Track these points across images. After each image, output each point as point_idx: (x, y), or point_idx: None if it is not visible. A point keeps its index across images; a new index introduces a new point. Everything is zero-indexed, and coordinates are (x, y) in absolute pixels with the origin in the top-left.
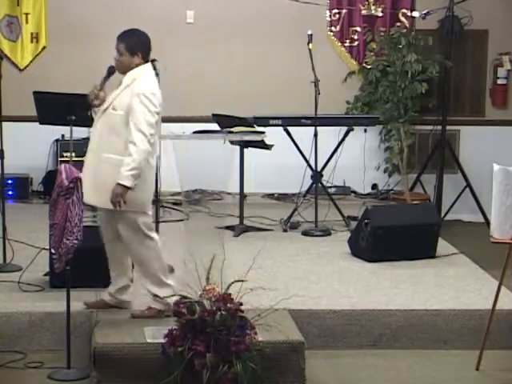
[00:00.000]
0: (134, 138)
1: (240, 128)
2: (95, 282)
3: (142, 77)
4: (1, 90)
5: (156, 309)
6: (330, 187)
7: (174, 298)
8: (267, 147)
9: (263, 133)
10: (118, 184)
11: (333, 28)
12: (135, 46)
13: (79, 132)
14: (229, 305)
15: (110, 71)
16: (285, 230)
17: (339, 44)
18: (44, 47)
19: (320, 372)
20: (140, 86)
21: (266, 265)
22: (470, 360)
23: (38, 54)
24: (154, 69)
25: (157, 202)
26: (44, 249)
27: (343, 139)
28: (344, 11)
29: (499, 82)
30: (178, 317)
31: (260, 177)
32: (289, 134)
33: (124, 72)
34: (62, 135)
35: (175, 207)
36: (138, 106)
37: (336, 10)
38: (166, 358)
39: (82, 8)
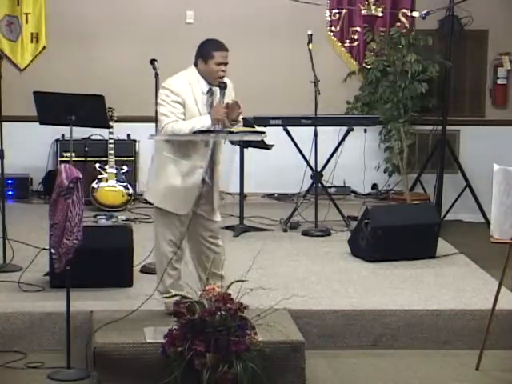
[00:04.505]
0: None
1: (240, 128)
2: (95, 282)
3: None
4: (1, 89)
5: None
6: (330, 187)
7: (174, 298)
8: (267, 147)
9: (263, 133)
10: None
11: (333, 28)
12: None
13: (79, 132)
14: (229, 305)
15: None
16: (285, 230)
17: (339, 44)
18: (44, 47)
19: (320, 372)
20: (232, 86)
21: (266, 265)
22: (470, 360)
23: (38, 54)
24: (154, 69)
25: None
26: (44, 249)
27: (343, 139)
28: (344, 11)
29: (499, 82)
30: (177, 317)
31: (260, 177)
32: (289, 134)
33: None
34: (62, 135)
35: None
36: None
37: (336, 10)
38: (166, 358)
39: (82, 8)
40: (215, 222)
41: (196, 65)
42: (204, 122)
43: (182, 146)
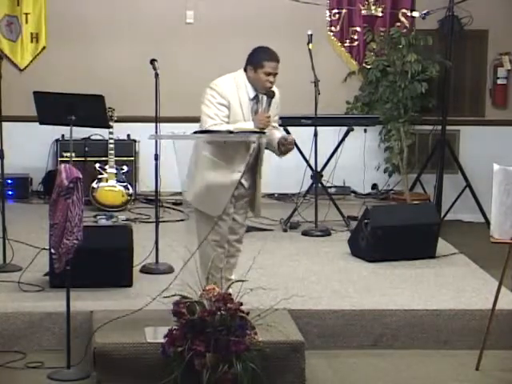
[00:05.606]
0: None
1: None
2: (95, 282)
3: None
4: (1, 89)
5: None
6: (330, 187)
7: (175, 298)
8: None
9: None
10: None
11: (333, 28)
12: None
13: (79, 132)
14: (229, 305)
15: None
16: (285, 230)
17: (339, 44)
18: (44, 47)
19: (320, 372)
20: (279, 96)
21: (266, 265)
22: (470, 360)
23: (38, 54)
24: (154, 69)
25: (157, 201)
26: (44, 249)
27: (343, 139)
28: (344, 11)
29: (499, 81)
30: (177, 317)
31: None
32: (289, 133)
33: None
34: (62, 135)
35: (175, 207)
36: None
37: (336, 10)
38: (166, 358)
39: (82, 8)
40: (243, 227)
41: (245, 70)
42: (247, 127)
43: (222, 147)
